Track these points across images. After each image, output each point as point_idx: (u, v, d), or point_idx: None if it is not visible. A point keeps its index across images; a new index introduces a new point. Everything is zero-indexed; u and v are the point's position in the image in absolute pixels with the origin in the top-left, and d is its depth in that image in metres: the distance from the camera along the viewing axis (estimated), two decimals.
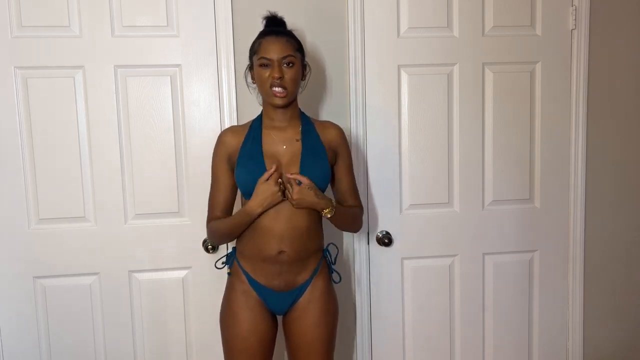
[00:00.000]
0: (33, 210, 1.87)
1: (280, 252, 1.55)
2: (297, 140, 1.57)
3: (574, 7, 2.03)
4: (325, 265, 1.68)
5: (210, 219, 1.64)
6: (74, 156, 1.86)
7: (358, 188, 1.72)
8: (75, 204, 1.88)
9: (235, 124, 1.89)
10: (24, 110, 1.83)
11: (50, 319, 1.91)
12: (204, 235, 1.93)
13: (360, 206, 1.73)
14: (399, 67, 1.98)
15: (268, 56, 1.50)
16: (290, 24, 1.65)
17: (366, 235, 2.02)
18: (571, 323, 2.17)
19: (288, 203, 1.53)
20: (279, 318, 1.69)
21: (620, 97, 2.11)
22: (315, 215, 1.59)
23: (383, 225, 2.02)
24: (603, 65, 2.08)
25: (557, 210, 2.12)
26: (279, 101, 1.52)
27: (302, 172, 1.53)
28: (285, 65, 1.51)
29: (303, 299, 1.61)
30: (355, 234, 2.01)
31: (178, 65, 1.89)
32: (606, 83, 2.09)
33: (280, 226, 1.53)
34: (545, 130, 2.07)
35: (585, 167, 2.10)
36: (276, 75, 1.49)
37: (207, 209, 1.66)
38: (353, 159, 1.96)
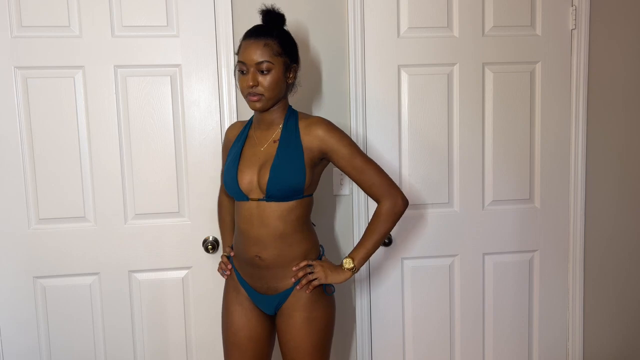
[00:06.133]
0: (33, 210, 1.87)
1: (256, 256, 1.53)
2: (275, 142, 1.54)
3: (574, 7, 2.04)
4: None
5: (219, 194, 1.81)
6: (74, 156, 1.86)
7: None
8: (75, 204, 1.88)
9: None
10: (24, 110, 1.83)
11: (50, 319, 1.91)
12: (204, 235, 1.94)
13: (388, 198, 1.53)
14: (399, 67, 1.98)
15: (243, 60, 1.47)
16: (290, 23, 1.64)
17: None
18: (571, 323, 2.17)
19: (260, 206, 1.50)
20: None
21: (620, 97, 2.11)
22: (293, 220, 1.52)
23: None
24: (603, 65, 2.08)
25: (557, 210, 2.12)
26: (255, 106, 1.50)
27: (272, 174, 1.47)
28: (260, 72, 1.46)
29: (287, 306, 1.55)
30: (354, 234, 2.01)
31: (178, 65, 1.89)
32: (606, 83, 2.09)
33: (255, 230, 1.51)
34: (545, 130, 2.07)
35: (585, 167, 2.10)
36: (250, 83, 1.45)
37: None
38: None
